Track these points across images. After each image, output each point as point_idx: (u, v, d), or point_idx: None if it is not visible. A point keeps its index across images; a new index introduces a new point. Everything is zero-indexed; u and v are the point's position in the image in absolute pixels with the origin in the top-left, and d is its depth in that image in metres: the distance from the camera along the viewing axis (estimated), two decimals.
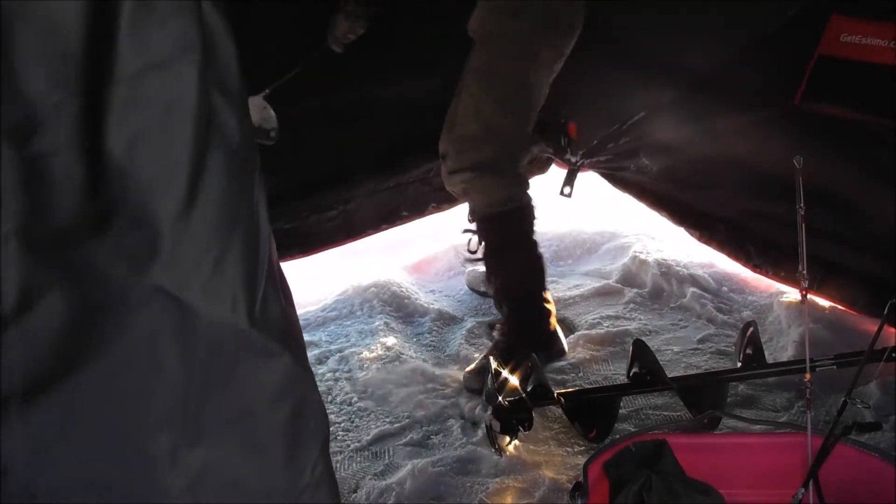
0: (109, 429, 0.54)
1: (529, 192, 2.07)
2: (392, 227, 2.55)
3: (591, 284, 2.54)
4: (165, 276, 0.51)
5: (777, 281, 2.24)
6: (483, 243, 2.09)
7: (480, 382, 1.84)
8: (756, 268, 2.25)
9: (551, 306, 2.09)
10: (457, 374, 2.03)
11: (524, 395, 1.66)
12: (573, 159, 2.50)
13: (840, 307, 2.05)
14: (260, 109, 2.01)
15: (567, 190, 2.47)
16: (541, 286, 2.06)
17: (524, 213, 2.04)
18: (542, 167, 2.54)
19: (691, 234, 2.39)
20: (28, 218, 0.47)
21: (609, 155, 2.51)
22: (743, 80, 2.10)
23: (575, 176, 2.48)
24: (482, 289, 2.43)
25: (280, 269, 0.65)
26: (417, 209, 2.57)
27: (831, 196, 1.95)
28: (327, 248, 2.43)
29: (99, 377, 0.52)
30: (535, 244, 2.06)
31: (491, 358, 1.75)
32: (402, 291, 2.57)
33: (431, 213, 2.60)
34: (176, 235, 0.51)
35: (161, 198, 0.50)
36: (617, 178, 2.55)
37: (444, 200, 2.53)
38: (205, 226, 0.52)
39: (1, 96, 0.45)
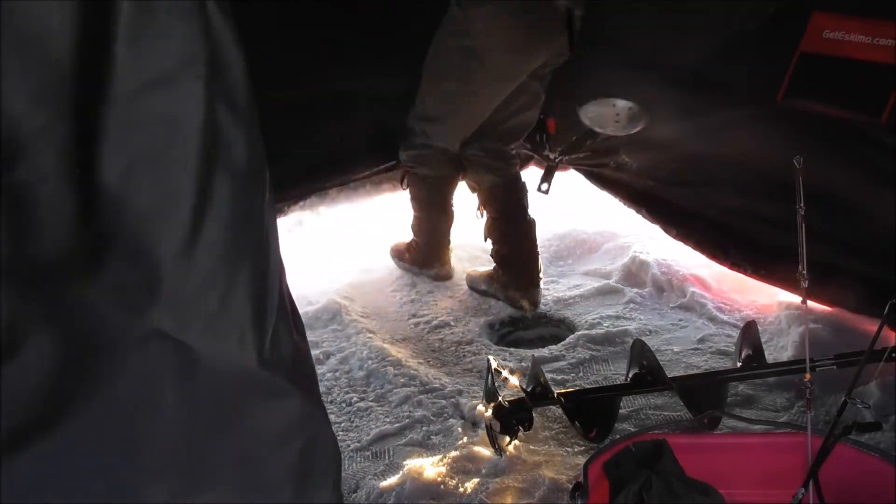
0: (102, 479, 0.49)
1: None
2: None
3: (591, 284, 2.54)
4: (165, 316, 0.47)
5: (758, 279, 2.24)
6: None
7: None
8: (734, 266, 2.25)
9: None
10: (457, 374, 2.03)
11: (524, 394, 1.67)
12: (552, 156, 2.50)
13: (840, 308, 2.06)
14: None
15: (545, 186, 2.47)
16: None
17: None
18: (520, 164, 2.58)
19: (668, 233, 2.40)
20: (12, 250, 0.42)
21: (588, 152, 2.49)
22: (724, 78, 2.10)
23: (553, 173, 2.48)
24: (482, 287, 2.48)
25: (291, 299, 0.60)
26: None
27: (824, 195, 1.95)
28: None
29: (91, 424, 0.47)
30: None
31: (490, 358, 1.75)
32: (405, 293, 2.57)
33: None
34: (177, 272, 0.46)
35: (161, 230, 0.45)
36: (595, 175, 2.55)
37: None
38: (209, 259, 0.47)
39: None
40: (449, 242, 2.61)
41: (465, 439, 1.70)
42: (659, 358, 1.69)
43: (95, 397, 0.46)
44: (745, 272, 2.24)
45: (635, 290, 2.46)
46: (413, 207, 2.55)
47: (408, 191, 2.51)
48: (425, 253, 2.58)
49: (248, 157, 0.49)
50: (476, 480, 1.56)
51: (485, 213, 2.44)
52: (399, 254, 2.65)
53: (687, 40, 2.03)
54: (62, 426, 0.45)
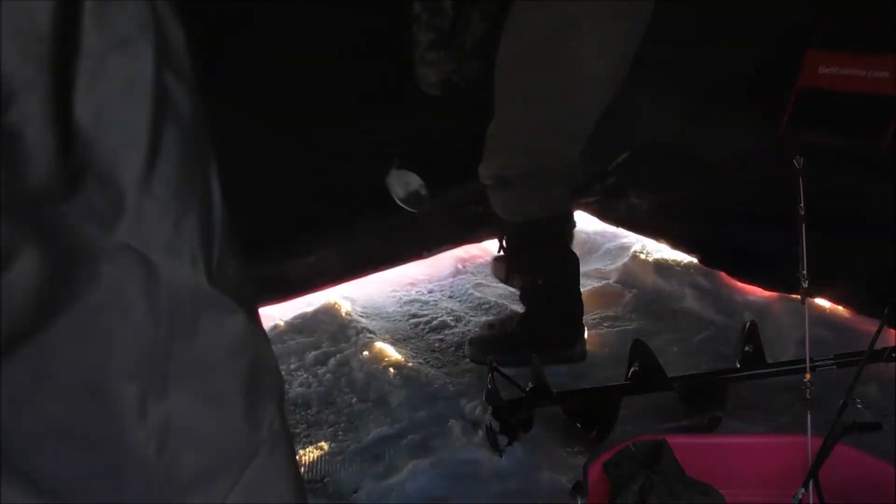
0: (82, 378, 0.57)
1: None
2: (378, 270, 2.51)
3: (592, 284, 2.54)
4: (131, 233, 0.56)
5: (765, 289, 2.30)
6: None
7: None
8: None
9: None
10: (457, 374, 2.03)
11: (524, 395, 1.67)
12: None
13: (840, 307, 2.06)
14: (403, 181, 2.09)
15: None
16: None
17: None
18: None
19: (693, 256, 2.48)
20: (4, 183, 0.51)
21: (597, 195, 2.59)
22: (726, 116, 2.16)
23: None
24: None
25: (232, 234, 0.69)
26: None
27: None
28: (306, 293, 2.39)
29: (73, 326, 0.55)
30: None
31: (490, 359, 1.75)
32: (405, 294, 2.57)
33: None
34: (139, 198, 0.56)
35: (125, 164, 0.55)
36: (608, 216, 2.63)
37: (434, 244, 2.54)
38: (164, 190, 0.57)
39: None
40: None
41: (464, 440, 1.69)
42: (659, 358, 1.69)
43: (76, 302, 0.54)
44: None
45: (635, 290, 2.46)
46: (518, 274, 2.06)
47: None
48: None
49: (192, 113, 0.60)
50: (476, 481, 1.55)
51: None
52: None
53: (685, 84, 2.03)
54: (50, 329, 0.54)
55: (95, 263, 0.55)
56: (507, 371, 1.73)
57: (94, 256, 0.55)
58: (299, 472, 0.75)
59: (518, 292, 2.14)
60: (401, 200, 2.19)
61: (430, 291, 2.60)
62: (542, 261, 1.99)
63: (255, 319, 0.68)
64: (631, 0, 1.67)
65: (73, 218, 0.54)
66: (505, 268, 2.10)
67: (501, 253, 2.12)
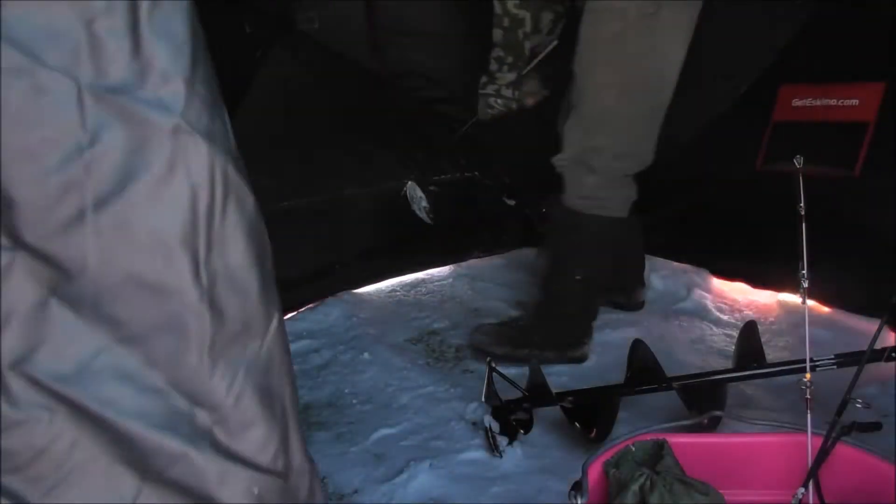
0: (151, 237, 0.73)
1: None
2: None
3: None
4: (185, 117, 0.73)
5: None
6: None
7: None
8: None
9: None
10: (457, 375, 2.03)
11: (524, 395, 1.67)
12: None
13: (840, 307, 2.06)
14: (416, 195, 2.43)
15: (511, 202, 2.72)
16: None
17: None
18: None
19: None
20: (95, 76, 0.69)
21: None
22: (705, 155, 2.34)
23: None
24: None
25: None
26: None
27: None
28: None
29: (146, 190, 0.72)
30: None
31: (490, 360, 1.75)
32: (405, 295, 2.57)
33: None
34: (189, 90, 0.74)
35: (178, 64, 0.73)
36: None
37: None
38: (203, 89, 0.76)
39: None
40: None
41: (465, 440, 1.69)
42: (659, 358, 1.69)
43: (148, 170, 0.72)
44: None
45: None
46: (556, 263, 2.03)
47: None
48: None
49: (208, 53, 0.79)
50: (476, 481, 1.55)
51: None
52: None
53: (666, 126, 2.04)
54: (129, 191, 0.72)
55: (161, 138, 0.72)
56: (506, 372, 1.73)
57: (160, 133, 0.72)
58: (290, 357, 0.93)
59: (519, 296, 2.16)
60: (417, 210, 2.50)
61: (431, 292, 2.60)
62: (594, 258, 1.98)
63: (260, 211, 0.84)
64: None
65: (144, 104, 0.71)
66: (541, 252, 2.11)
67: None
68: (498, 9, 1.76)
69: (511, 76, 1.83)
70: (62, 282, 0.70)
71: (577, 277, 1.96)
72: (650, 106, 1.80)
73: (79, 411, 0.72)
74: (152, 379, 0.75)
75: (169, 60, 0.73)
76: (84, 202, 0.69)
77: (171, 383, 0.76)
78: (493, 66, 1.86)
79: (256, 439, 0.83)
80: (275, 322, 0.86)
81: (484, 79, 2.00)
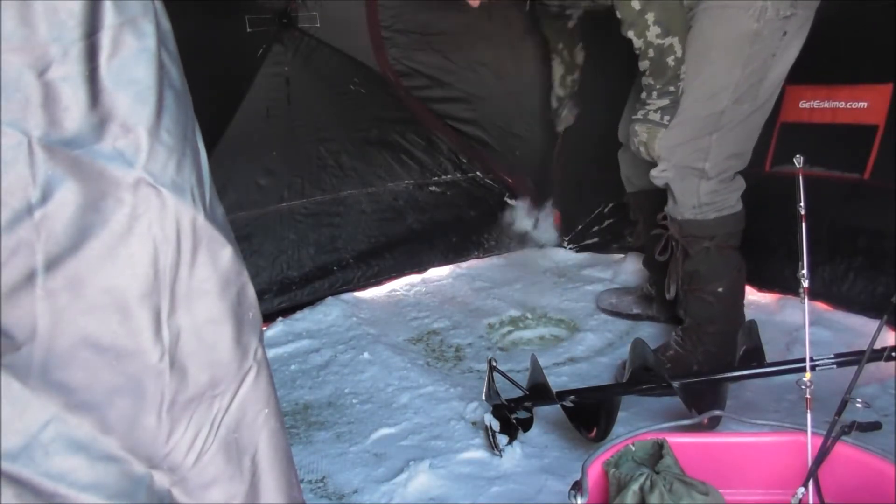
0: (107, 297, 0.69)
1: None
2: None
3: (592, 286, 2.54)
4: (146, 170, 0.69)
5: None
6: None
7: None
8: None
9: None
10: (457, 374, 2.03)
11: (524, 394, 1.66)
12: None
13: (840, 307, 2.06)
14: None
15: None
16: None
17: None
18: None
19: None
20: (47, 128, 0.65)
21: (596, 238, 2.81)
22: None
23: None
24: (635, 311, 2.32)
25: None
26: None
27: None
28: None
29: (102, 248, 0.68)
30: None
31: (491, 359, 1.74)
32: (405, 295, 2.57)
33: None
34: (151, 140, 0.70)
35: (139, 113, 0.70)
36: (611, 251, 2.81)
37: None
38: (168, 137, 0.72)
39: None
40: None
41: (465, 440, 1.69)
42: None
43: (104, 227, 0.68)
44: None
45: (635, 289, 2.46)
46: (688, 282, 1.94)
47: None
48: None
49: (181, 82, 0.76)
50: (476, 481, 1.55)
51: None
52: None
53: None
54: (83, 250, 0.67)
55: (120, 193, 0.68)
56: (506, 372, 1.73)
57: (119, 188, 0.68)
58: (276, 396, 0.87)
59: (518, 296, 2.15)
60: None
61: (430, 292, 2.60)
62: (724, 266, 1.90)
63: (240, 257, 0.80)
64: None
65: (101, 157, 0.67)
66: (667, 273, 2.03)
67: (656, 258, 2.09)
68: (638, 44, 1.77)
69: (662, 102, 1.81)
70: (8, 350, 0.66)
71: (720, 289, 1.90)
72: (762, 104, 1.81)
73: (27, 490, 0.67)
74: (107, 446, 0.71)
75: (130, 110, 0.69)
76: (34, 263, 0.65)
77: (127, 448, 0.73)
78: (644, 94, 1.85)
79: (218, 498, 0.79)
80: (251, 374, 0.81)
81: (637, 106, 1.94)
